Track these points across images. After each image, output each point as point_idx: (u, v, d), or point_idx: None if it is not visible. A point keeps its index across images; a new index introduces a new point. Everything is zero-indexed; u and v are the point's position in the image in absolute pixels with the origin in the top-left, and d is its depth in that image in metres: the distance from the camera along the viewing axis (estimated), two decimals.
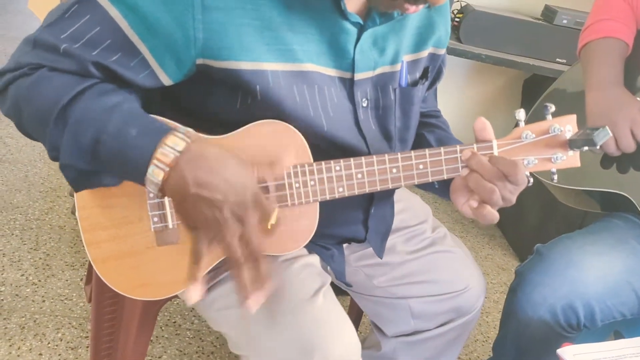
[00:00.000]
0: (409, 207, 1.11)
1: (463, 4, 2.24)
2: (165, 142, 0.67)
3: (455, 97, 2.66)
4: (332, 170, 0.79)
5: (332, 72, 0.81)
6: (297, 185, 0.79)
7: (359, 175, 0.80)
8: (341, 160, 0.79)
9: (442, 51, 0.96)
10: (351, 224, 0.96)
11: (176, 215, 0.70)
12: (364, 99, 0.85)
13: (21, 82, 0.72)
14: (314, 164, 0.79)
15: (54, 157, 0.73)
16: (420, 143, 0.99)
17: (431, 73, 0.96)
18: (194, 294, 0.71)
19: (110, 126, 0.68)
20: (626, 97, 1.11)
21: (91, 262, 0.82)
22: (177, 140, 0.67)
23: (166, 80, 0.75)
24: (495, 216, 0.80)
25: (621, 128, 1.07)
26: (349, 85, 0.83)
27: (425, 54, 0.92)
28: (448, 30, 0.95)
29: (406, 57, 0.89)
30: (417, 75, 0.92)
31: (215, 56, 0.73)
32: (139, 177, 0.68)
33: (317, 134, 0.81)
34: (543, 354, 1.13)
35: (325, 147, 0.82)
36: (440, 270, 1.04)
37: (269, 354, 0.83)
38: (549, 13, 2.20)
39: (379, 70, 0.85)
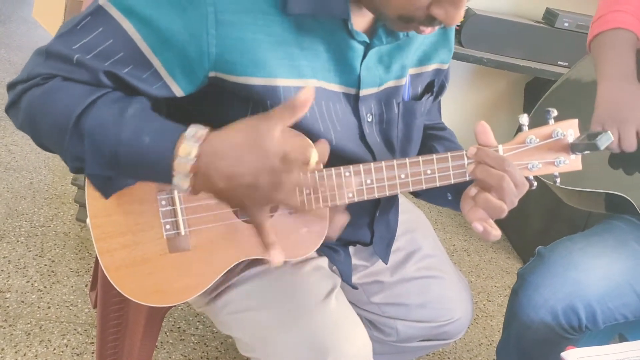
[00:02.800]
0: (412, 220, 1.12)
1: None
2: (179, 155, 0.66)
3: (457, 101, 2.66)
4: (341, 176, 0.80)
5: (336, 87, 0.82)
6: (307, 191, 0.80)
7: (368, 181, 0.81)
8: (350, 167, 0.80)
9: (446, 66, 0.97)
10: (357, 227, 0.96)
11: (222, 204, 0.70)
12: (368, 114, 0.86)
13: (34, 92, 0.72)
14: (324, 170, 0.80)
15: (77, 168, 0.72)
16: (429, 153, 1.00)
17: (436, 87, 0.97)
18: (278, 256, 0.71)
19: (124, 135, 0.68)
20: (639, 95, 1.10)
21: (104, 270, 0.82)
22: (188, 149, 0.66)
23: (178, 92, 0.76)
24: (498, 233, 0.81)
25: (627, 128, 1.06)
26: (354, 100, 0.84)
27: (430, 68, 0.93)
28: (451, 47, 0.96)
29: (411, 71, 0.90)
30: (419, 89, 0.93)
31: (228, 71, 0.74)
32: (167, 182, 0.69)
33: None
34: (546, 356, 1.13)
35: (334, 161, 0.83)
36: (433, 297, 1.06)
37: (282, 356, 0.83)
38: (550, 16, 2.21)
39: (383, 87, 0.86)
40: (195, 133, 0.67)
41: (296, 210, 0.69)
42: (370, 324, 1.11)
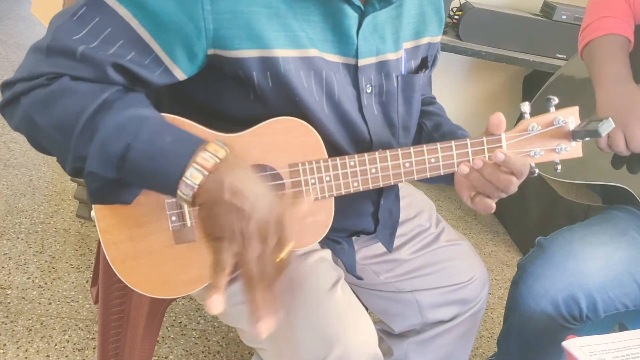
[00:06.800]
0: (414, 202, 1.12)
1: (462, 1, 2.24)
2: (207, 149, 0.67)
3: (456, 95, 2.66)
4: (347, 166, 0.82)
5: (336, 58, 0.83)
6: (312, 181, 0.81)
7: (373, 170, 0.83)
8: (355, 156, 0.82)
9: (437, 39, 0.98)
10: (361, 216, 0.97)
11: (201, 225, 0.69)
12: (368, 85, 0.87)
13: (38, 93, 0.70)
14: (329, 160, 0.81)
15: (76, 169, 0.71)
16: (419, 132, 1.01)
17: (429, 62, 0.98)
18: (217, 304, 0.68)
19: (143, 133, 0.68)
20: (638, 96, 1.10)
21: (110, 263, 0.82)
22: (217, 148, 0.67)
23: (180, 75, 0.76)
24: (492, 207, 0.84)
25: (632, 129, 1.06)
26: (354, 71, 0.85)
27: (423, 41, 0.94)
28: (442, 19, 0.97)
29: (405, 45, 0.91)
30: (414, 64, 0.94)
31: (226, 46, 0.74)
32: (170, 183, 0.67)
33: (321, 119, 0.82)
34: (547, 346, 1.14)
35: (329, 132, 0.84)
36: (446, 262, 1.06)
37: (289, 346, 0.84)
38: (547, 9, 2.21)
39: (381, 57, 0.87)
40: (223, 142, 0.69)
41: (247, 278, 0.68)
42: (390, 313, 1.10)
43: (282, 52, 0.77)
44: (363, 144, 0.88)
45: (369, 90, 0.87)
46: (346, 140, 0.86)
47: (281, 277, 0.71)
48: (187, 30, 0.72)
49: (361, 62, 0.85)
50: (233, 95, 0.80)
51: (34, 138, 0.74)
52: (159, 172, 0.68)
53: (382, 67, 0.88)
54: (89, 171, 0.70)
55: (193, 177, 0.66)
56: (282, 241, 0.68)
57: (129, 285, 0.84)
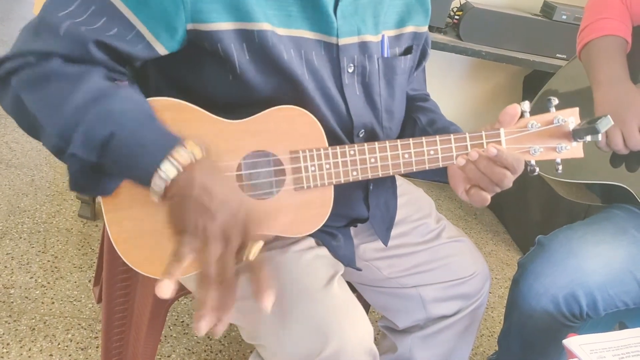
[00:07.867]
0: (414, 200, 1.13)
1: (462, 1, 2.25)
2: (185, 145, 0.70)
3: (456, 95, 2.67)
4: (346, 154, 0.84)
5: (312, 35, 0.84)
6: (312, 168, 0.83)
7: (372, 160, 0.84)
8: (355, 145, 0.84)
9: (424, 29, 1.00)
10: (353, 201, 0.98)
11: (167, 215, 0.71)
12: (350, 65, 0.88)
13: (26, 73, 0.72)
14: (329, 148, 0.83)
15: (58, 148, 0.72)
16: (413, 126, 1.03)
17: (415, 52, 0.99)
18: (166, 288, 0.67)
19: (128, 123, 0.70)
20: (635, 94, 1.11)
21: (112, 242, 0.83)
22: (195, 148, 0.70)
23: (162, 50, 0.78)
24: (487, 199, 0.86)
25: (629, 127, 1.07)
26: (335, 50, 0.86)
27: (407, 30, 0.96)
28: (427, 10, 0.99)
29: (387, 33, 0.93)
30: (398, 51, 0.95)
31: (203, 19, 0.76)
32: (145, 174, 0.69)
33: (306, 92, 0.83)
34: (548, 344, 1.14)
35: (314, 106, 0.85)
36: (448, 258, 1.07)
37: (286, 342, 0.84)
38: (547, 9, 2.22)
39: (362, 37, 0.88)
40: (203, 143, 0.72)
41: (203, 275, 0.68)
42: (394, 309, 1.10)
43: (260, 26, 0.78)
44: (345, 123, 0.89)
45: (350, 70, 0.88)
46: (331, 116, 0.87)
47: (260, 273, 0.69)
48: (165, 5, 0.74)
49: (342, 41, 0.86)
50: (214, 74, 0.82)
51: (21, 118, 0.75)
52: (137, 162, 0.70)
53: (365, 48, 0.89)
54: (72, 153, 0.71)
55: (168, 170, 0.69)
56: (245, 244, 0.69)
57: (129, 265, 0.84)
